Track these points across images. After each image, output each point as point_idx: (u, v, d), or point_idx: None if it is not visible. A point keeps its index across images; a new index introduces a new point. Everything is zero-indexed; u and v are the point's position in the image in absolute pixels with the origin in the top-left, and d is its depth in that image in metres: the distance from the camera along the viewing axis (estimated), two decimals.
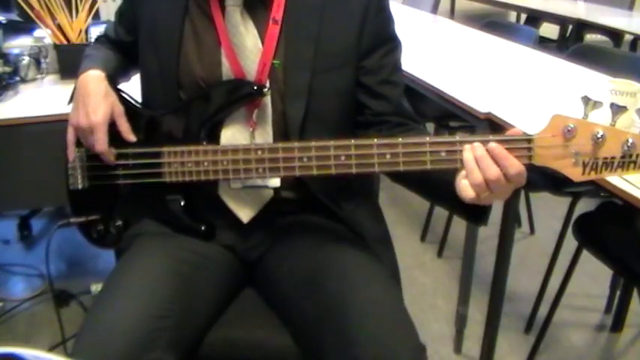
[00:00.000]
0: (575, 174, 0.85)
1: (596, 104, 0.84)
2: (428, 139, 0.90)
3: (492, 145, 0.86)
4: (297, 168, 0.97)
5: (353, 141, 0.93)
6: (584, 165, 0.84)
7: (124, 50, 1.25)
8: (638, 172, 0.82)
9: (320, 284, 1.03)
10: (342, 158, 0.94)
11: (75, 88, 1.14)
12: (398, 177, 1.07)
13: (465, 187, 0.87)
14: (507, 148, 0.86)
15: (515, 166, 0.85)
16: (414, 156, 0.90)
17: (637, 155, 0.82)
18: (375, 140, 0.92)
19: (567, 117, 0.84)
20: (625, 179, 1.22)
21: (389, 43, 1.13)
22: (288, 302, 1.09)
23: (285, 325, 1.10)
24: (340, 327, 0.95)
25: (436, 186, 0.98)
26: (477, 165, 0.86)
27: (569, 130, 0.83)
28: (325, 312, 0.99)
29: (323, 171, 0.95)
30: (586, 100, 0.84)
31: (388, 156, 0.91)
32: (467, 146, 0.87)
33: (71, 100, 1.15)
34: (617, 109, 0.83)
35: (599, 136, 0.82)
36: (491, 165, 0.85)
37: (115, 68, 1.20)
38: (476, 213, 0.97)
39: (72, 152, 1.13)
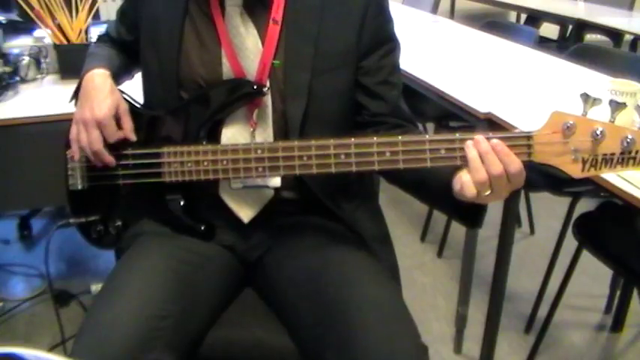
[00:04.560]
0: (575, 170, 0.85)
1: (595, 101, 0.84)
2: (427, 137, 0.90)
3: (495, 141, 0.86)
4: (297, 167, 0.97)
5: (353, 139, 0.93)
6: (584, 162, 0.84)
7: (125, 49, 1.25)
8: (637, 168, 0.82)
9: (320, 285, 1.03)
10: (342, 157, 0.94)
11: (78, 86, 1.14)
12: (394, 179, 1.08)
13: (468, 185, 0.87)
14: (507, 146, 0.86)
15: (516, 163, 0.85)
16: (414, 154, 0.90)
17: (636, 151, 0.82)
18: (375, 139, 0.92)
19: (566, 114, 0.84)
20: (625, 179, 1.21)
21: (388, 43, 1.13)
22: (287, 303, 1.09)
23: (284, 326, 1.10)
24: (340, 328, 0.95)
25: (431, 187, 0.98)
26: (482, 161, 0.86)
27: (568, 127, 0.83)
28: (325, 313, 0.99)
29: (323, 170, 0.95)
30: (585, 97, 0.84)
31: (388, 154, 0.91)
32: (469, 143, 0.87)
33: (72, 97, 1.16)
34: (616, 106, 0.83)
35: (598, 132, 0.82)
36: (496, 160, 0.85)
37: (118, 67, 1.20)
38: (471, 215, 0.97)
39: (77, 150, 1.11)
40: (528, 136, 0.86)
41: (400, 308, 1.00)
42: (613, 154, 0.83)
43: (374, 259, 1.10)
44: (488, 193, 0.87)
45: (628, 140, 0.81)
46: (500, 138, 0.86)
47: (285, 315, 1.10)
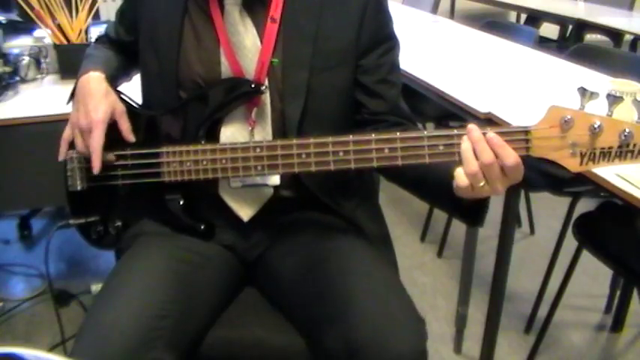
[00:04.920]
0: (573, 164, 0.85)
1: (593, 95, 0.83)
2: (426, 133, 0.90)
3: (490, 134, 0.86)
4: (296, 165, 0.97)
5: (351, 137, 0.93)
6: (582, 155, 0.84)
7: (124, 50, 1.25)
8: (635, 161, 0.82)
9: (320, 272, 1.04)
10: (341, 154, 0.94)
11: (74, 88, 1.14)
12: (393, 177, 1.08)
13: (460, 175, 0.87)
14: (505, 140, 0.85)
15: (512, 156, 0.85)
16: (412, 150, 0.90)
17: (634, 145, 0.82)
18: (373, 135, 0.92)
19: (564, 108, 0.84)
20: (625, 179, 1.21)
21: (387, 42, 1.13)
22: (289, 297, 1.09)
23: (288, 320, 1.10)
24: (340, 309, 0.96)
25: (432, 185, 0.99)
26: (473, 150, 0.86)
27: (566, 121, 0.83)
28: (325, 297, 1.00)
29: (322, 167, 0.95)
30: (582, 91, 0.84)
31: (386, 151, 0.91)
32: (465, 137, 0.87)
33: (70, 99, 1.15)
34: (614, 100, 0.83)
35: (596, 126, 0.82)
36: (486, 149, 0.85)
37: (115, 69, 1.20)
38: (472, 213, 0.97)
39: (64, 151, 1.11)
40: (526, 131, 0.86)
41: (397, 286, 1.02)
42: (611, 147, 0.83)
43: (373, 248, 1.11)
44: (482, 184, 0.86)
45: (626, 134, 0.81)
46: (498, 133, 0.86)
47: (287, 308, 1.11)
